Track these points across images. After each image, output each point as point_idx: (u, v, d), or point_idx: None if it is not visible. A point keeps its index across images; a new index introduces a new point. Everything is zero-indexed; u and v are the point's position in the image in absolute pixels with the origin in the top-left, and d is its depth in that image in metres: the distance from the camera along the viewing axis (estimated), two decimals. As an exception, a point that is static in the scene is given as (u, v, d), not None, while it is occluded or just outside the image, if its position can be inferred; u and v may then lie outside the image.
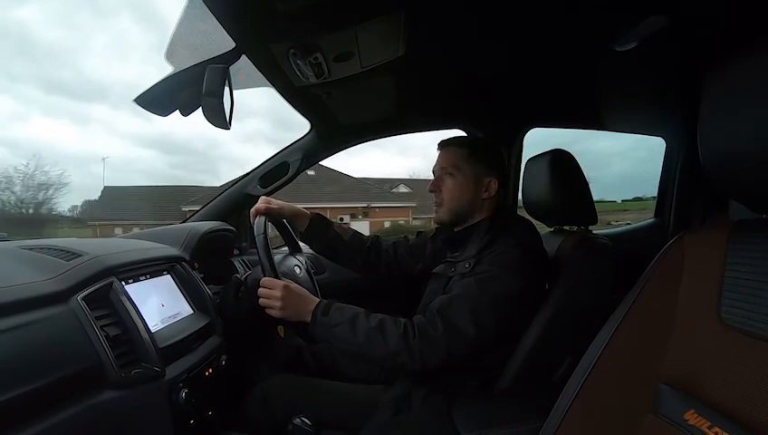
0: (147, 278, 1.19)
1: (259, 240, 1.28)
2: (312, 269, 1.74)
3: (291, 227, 1.63)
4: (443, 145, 1.41)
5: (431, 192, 1.40)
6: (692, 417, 0.59)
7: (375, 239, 1.64)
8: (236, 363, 1.36)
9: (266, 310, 1.23)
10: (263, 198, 1.46)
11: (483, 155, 1.36)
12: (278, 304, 1.20)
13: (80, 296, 0.93)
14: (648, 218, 2.54)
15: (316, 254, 1.68)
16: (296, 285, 1.25)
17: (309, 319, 1.20)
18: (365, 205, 18.89)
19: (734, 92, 0.59)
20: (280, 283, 1.22)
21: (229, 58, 1.16)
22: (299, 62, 1.23)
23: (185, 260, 1.37)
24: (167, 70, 1.18)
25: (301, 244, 1.70)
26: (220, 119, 1.14)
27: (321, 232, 1.55)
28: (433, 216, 1.46)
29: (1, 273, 0.89)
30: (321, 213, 1.60)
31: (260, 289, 1.24)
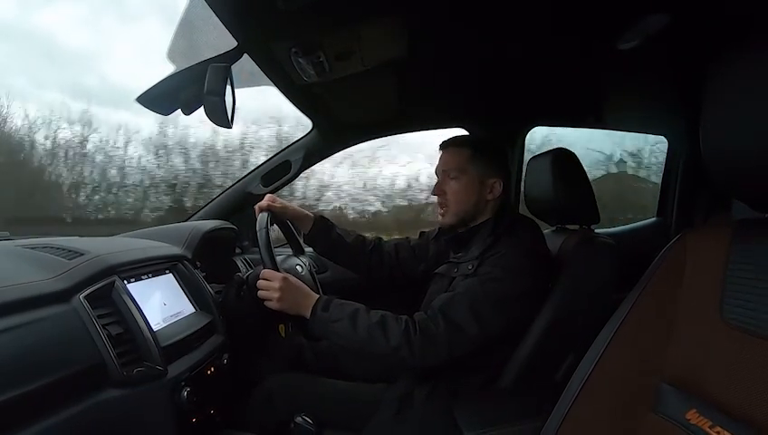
0: (149, 277, 1.19)
1: (261, 235, 1.28)
2: (315, 268, 1.74)
3: (294, 229, 1.64)
4: (445, 145, 1.40)
5: (435, 195, 1.39)
6: (694, 416, 0.59)
7: (377, 241, 1.64)
8: (239, 362, 1.36)
9: (264, 302, 1.23)
10: (268, 195, 1.46)
11: (487, 155, 1.35)
12: (276, 295, 1.20)
13: (82, 295, 0.93)
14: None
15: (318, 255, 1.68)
16: (295, 278, 1.25)
17: (308, 314, 1.20)
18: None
19: (736, 91, 0.59)
20: (279, 275, 1.22)
21: (231, 57, 1.16)
22: (301, 60, 1.23)
23: (187, 259, 1.36)
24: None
25: (303, 245, 1.70)
26: (222, 118, 1.14)
27: (324, 234, 1.55)
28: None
29: (3, 272, 0.89)
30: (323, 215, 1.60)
31: (259, 281, 1.24)
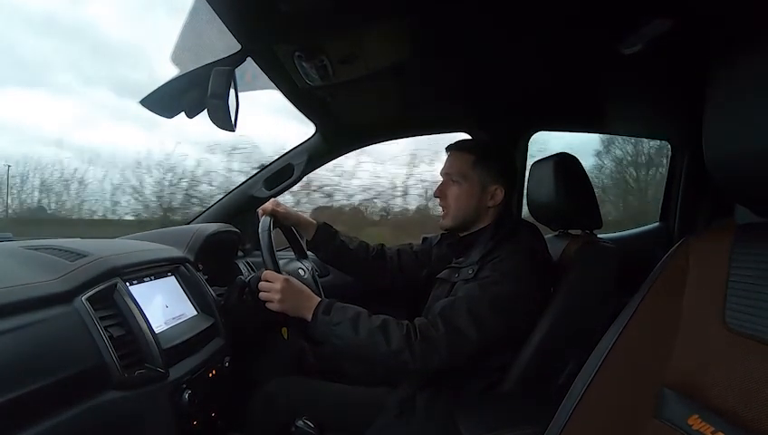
0: (151, 279, 1.19)
1: (263, 237, 1.28)
2: (317, 272, 1.74)
3: (297, 234, 1.64)
4: (451, 149, 1.41)
5: (436, 197, 1.40)
6: (696, 422, 0.59)
7: (380, 248, 1.65)
8: (240, 365, 1.36)
9: (266, 303, 1.23)
10: (272, 200, 1.47)
11: (490, 162, 1.35)
12: (278, 296, 1.20)
13: (84, 297, 0.93)
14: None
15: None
16: (297, 280, 1.26)
17: (309, 316, 1.20)
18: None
19: (739, 96, 0.59)
20: (281, 276, 1.23)
21: (235, 60, 1.16)
22: (304, 64, 1.23)
23: (189, 261, 1.37)
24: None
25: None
26: (225, 121, 1.15)
27: (327, 241, 1.56)
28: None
29: (5, 273, 0.89)
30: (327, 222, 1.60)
31: (260, 282, 1.24)
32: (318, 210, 3.52)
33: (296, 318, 1.22)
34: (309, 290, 1.25)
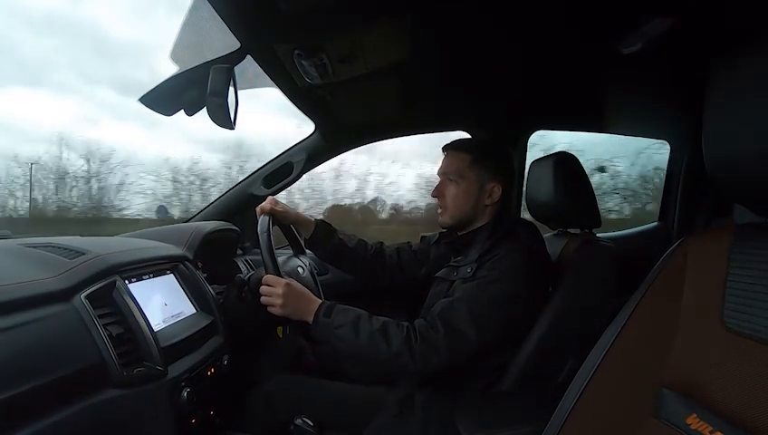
0: (150, 277, 1.19)
1: (262, 238, 1.28)
2: (316, 270, 1.74)
3: (295, 231, 1.64)
4: (448, 149, 1.41)
5: (434, 197, 1.40)
6: (694, 421, 0.59)
7: (379, 246, 1.64)
8: (239, 363, 1.36)
9: (267, 308, 1.23)
10: (270, 198, 1.47)
11: (487, 161, 1.35)
12: (279, 301, 1.21)
13: (83, 295, 0.93)
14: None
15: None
16: (298, 283, 1.26)
17: (310, 319, 1.20)
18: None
19: (739, 96, 0.59)
20: (282, 280, 1.22)
21: (234, 58, 1.16)
22: (303, 62, 1.23)
23: (188, 259, 1.37)
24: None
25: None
26: (224, 119, 1.14)
27: (325, 239, 1.55)
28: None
29: (4, 271, 0.89)
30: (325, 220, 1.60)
31: (262, 287, 1.24)
32: (330, 208, 3.52)
33: (298, 321, 1.23)
34: (309, 293, 1.25)
